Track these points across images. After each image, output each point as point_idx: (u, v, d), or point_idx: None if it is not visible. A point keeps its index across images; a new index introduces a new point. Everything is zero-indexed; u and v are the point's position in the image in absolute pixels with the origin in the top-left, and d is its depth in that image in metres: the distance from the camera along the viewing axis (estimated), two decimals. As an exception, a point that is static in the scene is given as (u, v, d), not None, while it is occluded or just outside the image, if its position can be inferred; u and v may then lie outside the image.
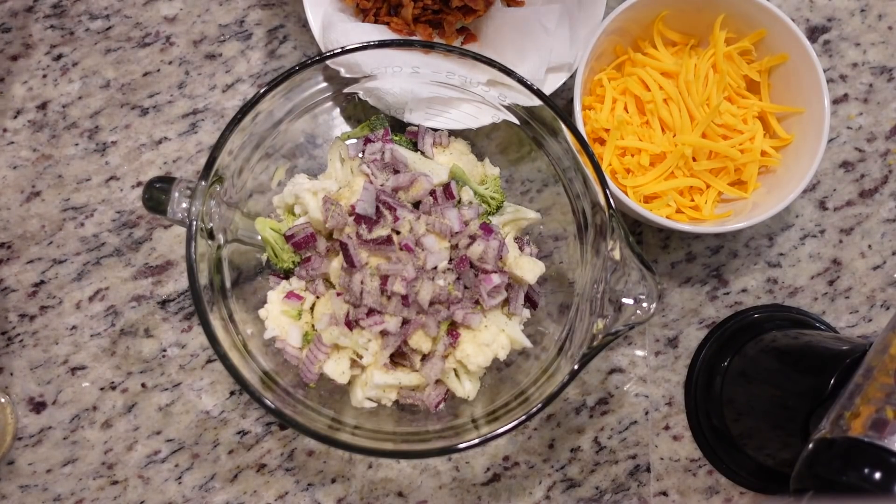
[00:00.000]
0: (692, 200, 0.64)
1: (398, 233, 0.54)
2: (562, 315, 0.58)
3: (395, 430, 0.54)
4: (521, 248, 0.60)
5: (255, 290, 0.58)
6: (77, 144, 0.65)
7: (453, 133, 0.61)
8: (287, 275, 0.58)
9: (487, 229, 0.56)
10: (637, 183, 0.62)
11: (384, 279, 0.52)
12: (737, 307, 0.67)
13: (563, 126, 0.53)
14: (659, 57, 0.64)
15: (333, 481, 0.62)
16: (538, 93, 0.52)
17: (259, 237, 0.57)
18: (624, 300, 0.49)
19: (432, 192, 0.56)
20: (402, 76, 0.58)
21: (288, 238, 0.56)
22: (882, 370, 0.45)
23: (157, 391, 0.63)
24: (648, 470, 0.65)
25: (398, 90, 0.59)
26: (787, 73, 0.63)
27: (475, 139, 0.63)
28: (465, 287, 0.55)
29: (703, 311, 0.67)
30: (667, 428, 0.65)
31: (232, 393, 0.63)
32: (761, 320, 0.66)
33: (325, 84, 0.57)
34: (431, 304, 0.53)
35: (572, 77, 0.61)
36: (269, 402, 0.49)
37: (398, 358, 0.56)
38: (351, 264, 0.53)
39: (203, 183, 0.50)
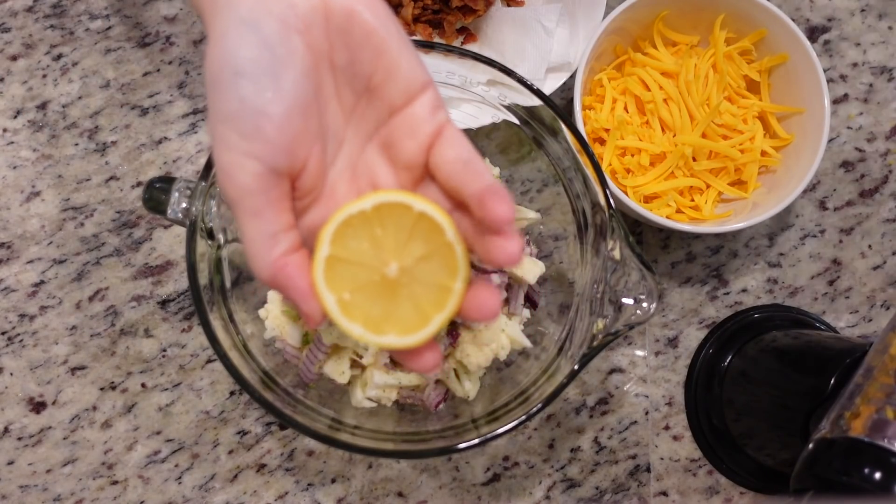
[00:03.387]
0: (692, 200, 0.64)
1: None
2: (562, 315, 0.58)
3: (395, 430, 0.54)
4: (521, 248, 0.60)
5: (255, 290, 0.58)
6: (77, 144, 0.65)
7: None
8: (287, 275, 0.58)
9: (487, 229, 0.56)
10: (637, 183, 0.62)
11: (384, 279, 0.52)
12: (737, 307, 0.67)
13: (563, 126, 0.53)
14: (659, 57, 0.64)
15: (333, 481, 0.62)
16: (538, 93, 0.52)
17: (259, 237, 0.57)
18: (624, 300, 0.49)
19: (432, 192, 0.56)
20: (402, 76, 0.57)
21: (288, 238, 0.56)
22: (882, 370, 0.45)
23: (157, 391, 0.63)
24: (648, 470, 0.65)
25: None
26: (787, 73, 0.63)
27: (475, 139, 0.63)
28: (465, 287, 0.55)
29: (703, 311, 0.67)
30: (667, 428, 0.65)
31: (232, 393, 0.63)
32: (761, 320, 0.66)
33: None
34: (431, 304, 0.53)
35: (572, 77, 0.61)
36: (269, 402, 0.49)
37: (398, 358, 0.56)
38: (351, 264, 0.53)
39: (203, 183, 0.50)
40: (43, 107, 0.65)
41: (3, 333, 0.62)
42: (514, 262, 0.34)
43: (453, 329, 0.55)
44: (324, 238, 0.34)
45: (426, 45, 0.55)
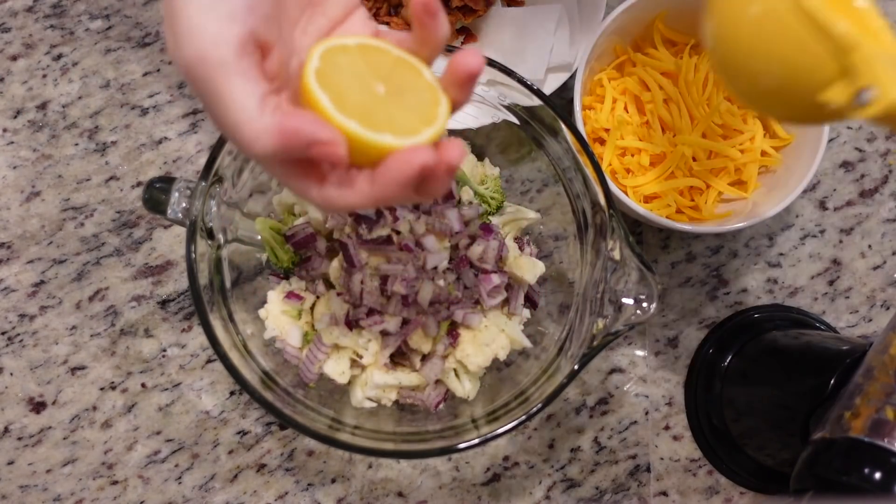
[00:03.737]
0: (692, 200, 0.64)
1: (398, 233, 0.54)
2: (562, 315, 0.58)
3: (395, 430, 0.54)
4: (521, 248, 0.60)
5: (255, 290, 0.58)
6: (77, 144, 0.65)
7: (453, 133, 0.61)
8: (287, 275, 0.58)
9: (487, 229, 0.56)
10: (637, 183, 0.62)
11: (384, 279, 0.52)
12: (737, 307, 0.67)
13: (563, 126, 0.53)
14: (659, 57, 0.64)
15: (333, 481, 0.62)
16: (538, 93, 0.52)
17: (259, 237, 0.57)
18: (624, 300, 0.49)
19: (432, 192, 0.56)
20: (402, 76, 0.58)
21: (288, 238, 0.56)
22: (882, 370, 0.45)
23: (157, 391, 0.63)
24: (648, 470, 0.65)
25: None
26: (787, 73, 0.63)
27: (475, 139, 0.63)
28: (465, 287, 0.55)
29: (703, 311, 0.67)
30: (667, 428, 0.65)
31: (232, 393, 0.63)
32: (761, 320, 0.66)
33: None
34: (431, 304, 0.53)
35: (572, 77, 0.61)
36: (269, 402, 0.49)
37: (398, 358, 0.56)
38: (351, 264, 0.53)
39: (203, 183, 0.50)
40: (43, 107, 0.65)
41: (3, 333, 0.62)
42: (477, 66, 0.35)
43: (453, 329, 0.55)
44: (313, 55, 0.35)
45: (426, 45, 0.54)
